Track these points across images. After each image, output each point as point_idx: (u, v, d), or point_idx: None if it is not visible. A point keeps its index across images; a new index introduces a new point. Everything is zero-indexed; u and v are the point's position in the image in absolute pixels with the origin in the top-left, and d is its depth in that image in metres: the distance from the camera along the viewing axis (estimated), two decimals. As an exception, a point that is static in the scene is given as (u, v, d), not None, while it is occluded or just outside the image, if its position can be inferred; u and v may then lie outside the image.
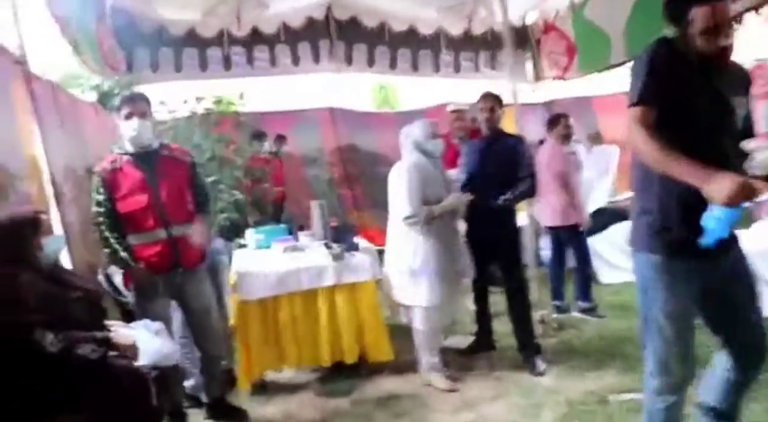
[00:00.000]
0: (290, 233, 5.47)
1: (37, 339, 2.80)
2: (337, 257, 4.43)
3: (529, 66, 8.75)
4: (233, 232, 6.17)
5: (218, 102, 6.98)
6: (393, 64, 8.57)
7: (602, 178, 8.28)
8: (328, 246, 4.62)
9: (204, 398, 4.08)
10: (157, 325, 3.42)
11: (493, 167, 4.60)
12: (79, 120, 6.01)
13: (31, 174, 4.01)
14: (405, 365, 4.54)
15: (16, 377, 2.86)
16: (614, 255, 6.98)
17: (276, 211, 7.73)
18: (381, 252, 5.21)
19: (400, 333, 4.63)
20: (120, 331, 3.23)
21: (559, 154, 5.66)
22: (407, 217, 4.19)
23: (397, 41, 8.42)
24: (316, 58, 8.42)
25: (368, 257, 4.57)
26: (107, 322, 3.34)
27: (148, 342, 3.25)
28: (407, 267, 4.26)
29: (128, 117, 3.71)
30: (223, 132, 6.86)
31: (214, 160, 6.63)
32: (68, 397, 2.92)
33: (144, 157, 3.76)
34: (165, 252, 3.75)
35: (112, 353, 2.98)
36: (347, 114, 9.80)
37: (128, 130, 3.71)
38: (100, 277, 4.32)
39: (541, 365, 4.47)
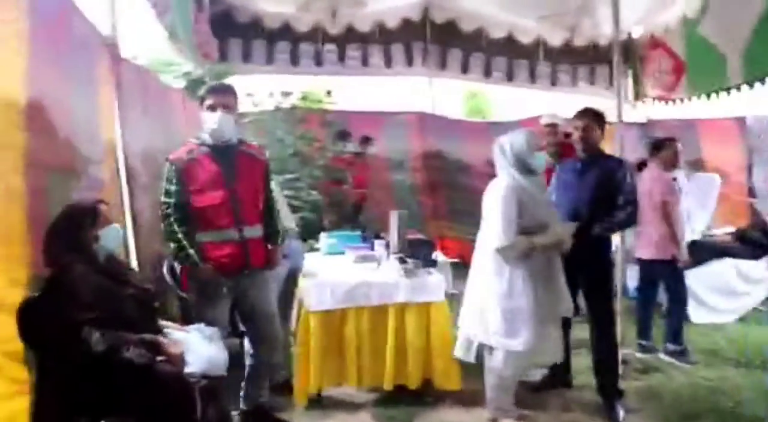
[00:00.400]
0: (365, 241, 5.20)
1: (84, 337, 2.63)
2: (410, 273, 4.13)
3: (629, 83, 8.19)
4: (307, 233, 5.97)
5: (305, 98, 6.80)
6: (487, 72, 8.27)
7: (700, 209, 7.67)
8: (402, 261, 4.32)
9: (241, 404, 3.83)
10: (212, 331, 3.21)
11: (589, 192, 4.13)
12: (165, 107, 5.92)
13: (107, 159, 3.88)
14: (471, 396, 4.15)
15: (59, 374, 2.71)
16: (708, 295, 6.42)
17: (354, 213, 7.49)
18: (455, 266, 4.94)
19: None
20: (171, 336, 3.03)
21: (662, 180, 5.18)
22: (501, 249, 3.65)
23: (493, 48, 8.09)
24: (409, 61, 8.19)
25: (443, 276, 4.24)
26: (161, 323, 3.16)
27: (201, 348, 3.05)
28: (497, 304, 3.70)
29: (212, 108, 3.51)
30: (308, 129, 6.67)
31: (295, 157, 6.46)
32: (109, 400, 2.73)
33: (222, 151, 3.56)
34: (236, 254, 3.54)
35: (159, 358, 2.78)
36: (437, 120, 9.48)
37: (210, 122, 3.51)
38: (165, 270, 4.17)
39: (621, 412, 4.04)
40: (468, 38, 7.98)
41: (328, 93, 7.07)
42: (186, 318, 3.61)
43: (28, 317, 2.78)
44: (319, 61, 7.80)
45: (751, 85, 5.50)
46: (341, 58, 7.86)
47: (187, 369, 2.91)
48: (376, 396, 4.31)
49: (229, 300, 3.59)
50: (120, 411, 2.82)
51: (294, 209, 5.96)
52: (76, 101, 3.46)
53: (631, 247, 5.50)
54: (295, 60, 7.71)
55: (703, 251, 6.70)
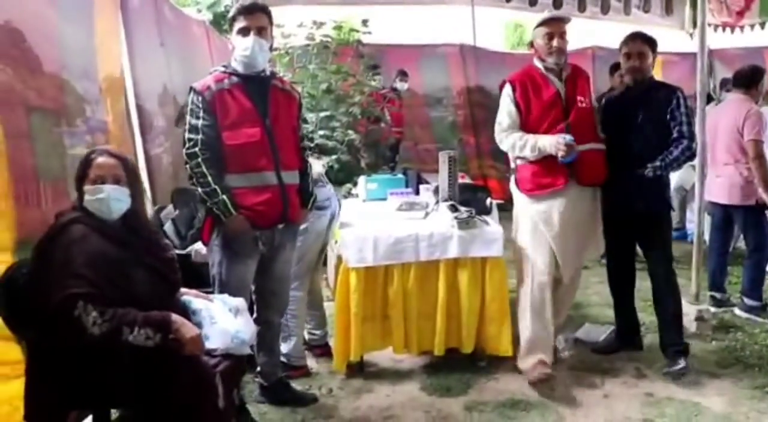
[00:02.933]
0: (407, 185, 4.57)
1: (76, 315, 2.07)
2: (464, 224, 3.50)
3: (687, 10, 7.28)
4: (344, 176, 5.36)
5: (338, 28, 6.06)
6: (532, 1, 7.39)
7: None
8: (454, 209, 3.68)
9: (262, 380, 3.29)
10: (239, 302, 2.64)
11: (640, 127, 3.56)
12: (188, 40, 5.31)
13: (111, 98, 3.26)
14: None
15: (53, 357, 2.18)
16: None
17: (392, 155, 6.84)
18: (501, 207, 4.38)
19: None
20: (190, 306, 2.47)
21: (754, 116, 4.40)
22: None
23: (538, -26, 7.21)
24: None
25: (500, 228, 3.61)
26: (181, 290, 2.60)
27: (225, 322, 2.49)
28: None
29: (244, 32, 2.88)
30: (342, 63, 5.97)
31: (330, 94, 5.78)
32: (113, 389, 2.20)
33: (255, 83, 2.94)
34: (275, 202, 2.95)
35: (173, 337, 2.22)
36: (479, 52, 8.72)
37: (241, 48, 2.87)
38: (167, 227, 3.63)
39: (681, 363, 3.53)
40: (513, -38, 7.15)
41: (364, 22, 6.31)
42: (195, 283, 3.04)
43: (13, 289, 2.25)
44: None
45: None
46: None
47: (208, 345, 2.36)
48: (425, 362, 3.73)
49: (257, 258, 3.01)
50: (126, 401, 2.30)
51: (329, 150, 5.34)
52: (64, 27, 2.81)
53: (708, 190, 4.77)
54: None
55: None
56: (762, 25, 6.29)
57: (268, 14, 2.95)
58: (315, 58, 5.78)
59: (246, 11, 2.88)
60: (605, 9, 7.37)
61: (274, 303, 3.18)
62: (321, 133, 5.35)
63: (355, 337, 3.45)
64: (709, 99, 5.90)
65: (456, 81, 8.75)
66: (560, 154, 3.34)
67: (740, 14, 6.56)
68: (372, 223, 3.68)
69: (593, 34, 8.12)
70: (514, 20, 10.68)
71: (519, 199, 3.64)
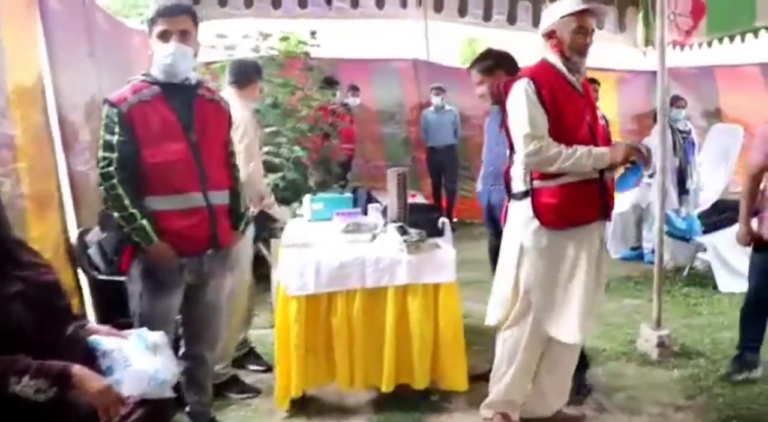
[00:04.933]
0: (356, 205, 4.30)
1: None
2: (413, 248, 3.25)
3: (640, 28, 7.23)
4: (291, 195, 5.08)
5: (285, 39, 5.80)
6: (487, 16, 7.25)
7: (720, 164, 6.81)
8: (403, 231, 3.42)
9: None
10: (157, 337, 2.31)
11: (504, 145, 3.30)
12: (125, 51, 4.99)
13: (20, 110, 2.93)
14: (482, 398, 3.21)
15: None
16: (738, 259, 5.58)
17: (343, 172, 6.58)
18: (457, 225, 4.19)
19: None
20: (99, 347, 2.15)
21: None
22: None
23: (495, -12, 7.09)
24: (403, 2, 7.19)
25: (454, 250, 3.36)
26: (89, 326, 2.28)
27: (142, 361, 2.16)
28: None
29: (163, 37, 2.57)
30: (290, 76, 5.71)
31: (276, 108, 5.51)
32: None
33: (178, 93, 2.64)
34: (202, 225, 2.66)
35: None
36: (433, 68, 8.53)
37: (161, 55, 2.57)
38: (93, 250, 3.30)
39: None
40: (467, -24, 7.01)
41: (313, 34, 6.08)
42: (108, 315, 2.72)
43: None
44: (303, 2, 6.81)
45: None
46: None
47: (123, 392, 2.04)
48: (373, 397, 3.44)
49: (182, 288, 2.70)
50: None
51: (275, 167, 5.06)
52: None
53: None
54: (276, 1, 6.73)
55: (729, 211, 5.84)
56: (710, 44, 6.23)
57: (193, 16, 2.66)
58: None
59: (166, 13, 2.57)
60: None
61: (205, 335, 2.88)
62: (266, 149, 5.06)
63: (297, 371, 3.15)
64: (655, 119, 5.78)
65: (409, 96, 8.56)
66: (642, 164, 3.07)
67: (688, 33, 6.48)
68: (315, 246, 3.41)
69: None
70: (468, 35, 10.55)
71: (532, 230, 2.89)
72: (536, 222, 2.88)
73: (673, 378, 3.76)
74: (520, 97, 2.82)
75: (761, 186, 3.66)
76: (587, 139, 2.88)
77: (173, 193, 2.60)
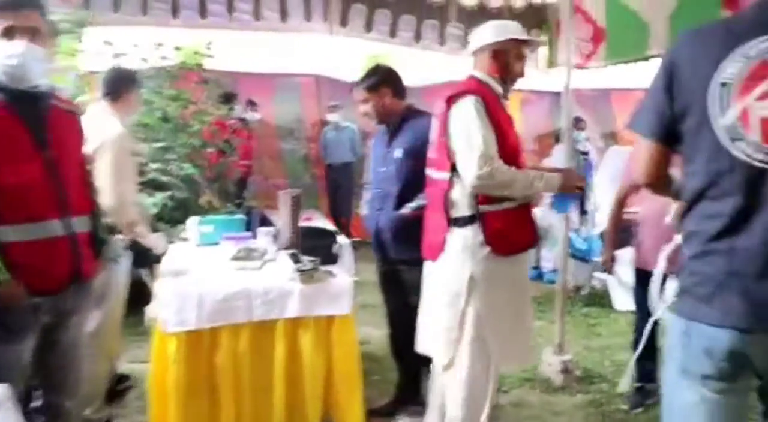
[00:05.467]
0: (248, 228, 4.00)
1: None
2: (307, 277, 2.99)
3: (543, 50, 7.31)
4: (181, 216, 4.72)
5: (178, 49, 5.45)
6: (393, 32, 7.14)
7: (615, 185, 6.92)
8: (295, 259, 3.16)
9: None
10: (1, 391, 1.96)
11: (394, 164, 3.44)
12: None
13: None
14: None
15: None
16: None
17: (239, 190, 6.24)
18: (359, 245, 4.00)
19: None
20: None
21: None
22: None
23: (401, 6, 6.97)
24: (308, 15, 6.94)
25: (351, 280, 3.13)
26: None
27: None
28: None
29: (8, 34, 2.20)
30: (182, 89, 5.36)
31: (167, 122, 5.14)
32: None
33: (28, 102, 2.27)
34: (62, 257, 2.32)
35: None
36: (335, 84, 8.35)
37: (4, 55, 2.19)
38: None
39: None
40: (373, -9, 6.86)
41: (208, 45, 5.75)
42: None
43: None
44: (203, 12, 6.43)
45: None
46: (229, 9, 6.50)
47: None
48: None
49: (36, 331, 2.34)
50: None
51: (162, 186, 4.70)
52: None
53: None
54: (174, 10, 6.33)
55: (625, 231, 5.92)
56: (606, 67, 6.33)
57: (40, 8, 2.31)
58: (149, 82, 5.13)
59: (11, 6, 2.21)
60: (466, 44, 7.24)
61: (65, 382, 2.51)
62: (155, 166, 4.70)
63: (176, 416, 2.81)
64: (557, 139, 5.79)
65: (309, 112, 8.37)
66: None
67: (588, 57, 6.58)
68: (197, 276, 3.09)
69: (452, 68, 7.96)
70: (374, 52, 10.40)
71: (481, 258, 2.71)
72: (486, 250, 2.71)
73: (575, 405, 3.70)
74: (471, 115, 2.64)
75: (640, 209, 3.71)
76: (523, 161, 2.83)
77: (26, 222, 2.23)
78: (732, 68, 1.59)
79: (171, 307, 2.83)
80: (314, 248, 3.32)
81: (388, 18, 7.07)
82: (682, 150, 1.74)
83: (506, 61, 2.78)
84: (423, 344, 2.99)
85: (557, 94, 8.52)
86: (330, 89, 8.24)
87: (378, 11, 7.03)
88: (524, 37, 2.82)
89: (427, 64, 8.11)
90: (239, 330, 2.90)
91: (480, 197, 2.70)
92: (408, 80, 3.57)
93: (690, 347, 1.69)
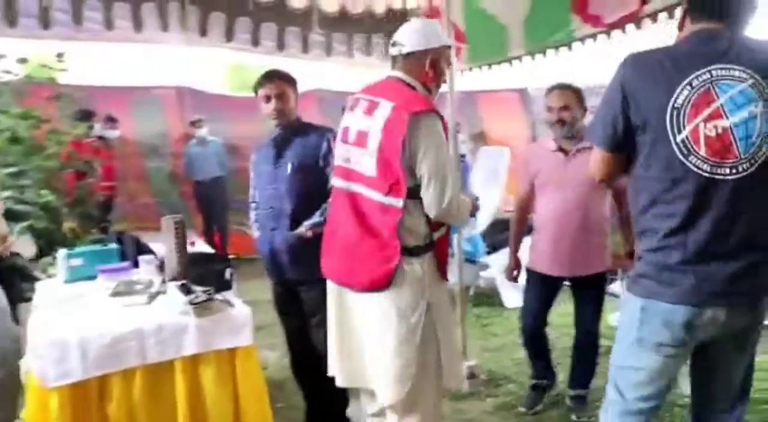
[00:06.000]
0: (124, 257, 3.65)
1: None
2: (201, 310, 2.74)
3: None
4: (43, 247, 4.25)
5: (23, 60, 4.93)
6: (255, 41, 6.88)
7: (491, 185, 7.09)
8: (186, 290, 2.88)
9: None
10: None
11: (286, 180, 3.32)
12: None
13: None
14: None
15: None
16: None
17: (102, 214, 5.76)
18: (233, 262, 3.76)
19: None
20: None
21: None
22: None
23: (261, 13, 6.73)
24: (164, 26, 6.53)
25: (248, 308, 2.90)
26: None
27: None
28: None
29: None
30: (33, 106, 4.84)
31: (17, 144, 4.62)
32: None
33: None
34: None
35: None
36: (198, 96, 7.99)
37: None
38: None
39: None
40: (232, 0, 6.55)
41: (59, 56, 5.24)
42: None
43: None
44: (45, 21, 5.86)
45: (532, 56, 5.17)
46: (77, 18, 5.96)
47: None
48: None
49: None
50: None
51: (19, 216, 4.20)
52: None
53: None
54: (12, 19, 5.72)
55: (507, 231, 6.07)
56: (470, 70, 6.47)
57: None
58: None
59: None
60: (329, 51, 7.15)
61: None
62: (6, 194, 4.18)
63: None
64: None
65: (173, 127, 7.91)
66: None
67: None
68: (77, 318, 2.74)
69: (317, 76, 7.84)
70: (236, 61, 10.08)
71: (435, 285, 2.59)
72: (437, 276, 2.61)
73: (486, 410, 3.69)
74: (441, 138, 2.46)
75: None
76: None
77: None
78: (682, 97, 1.96)
79: (49, 358, 2.48)
80: (205, 276, 3.06)
81: (249, 26, 6.81)
82: (638, 157, 2.08)
83: (441, 68, 2.60)
84: (357, 379, 2.74)
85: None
86: (193, 102, 7.83)
87: (238, 20, 6.75)
88: (452, 42, 2.87)
89: (291, 72, 7.94)
90: (132, 375, 2.60)
91: (434, 224, 2.55)
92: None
93: (649, 321, 2.07)
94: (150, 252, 3.66)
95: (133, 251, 3.73)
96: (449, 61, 2.69)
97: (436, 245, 2.58)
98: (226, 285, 3.11)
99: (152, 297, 2.95)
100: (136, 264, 3.47)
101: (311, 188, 3.14)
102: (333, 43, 7.18)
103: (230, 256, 6.85)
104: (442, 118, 2.48)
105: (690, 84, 1.95)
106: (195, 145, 7.51)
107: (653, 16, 4.07)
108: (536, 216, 3.69)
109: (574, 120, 3.50)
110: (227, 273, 3.20)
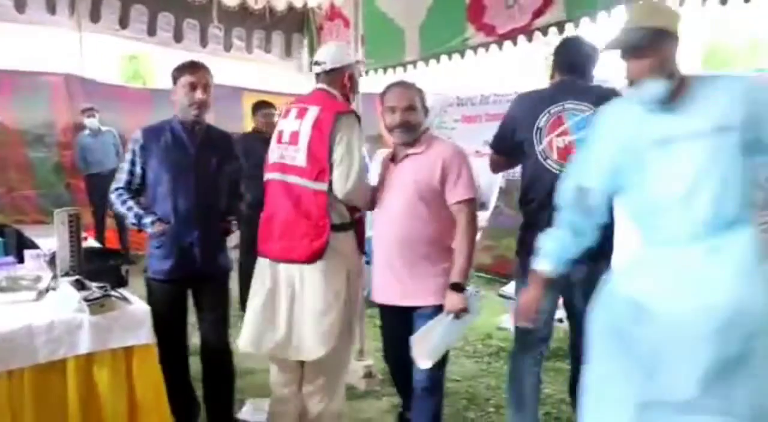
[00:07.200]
0: (7, 251, 3.41)
1: None
2: (98, 306, 2.60)
3: (305, 54, 7.36)
4: None
5: None
6: (151, 31, 6.60)
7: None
8: (81, 286, 2.74)
9: None
10: None
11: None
12: None
13: None
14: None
15: None
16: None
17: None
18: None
19: None
20: None
21: None
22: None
23: (159, 2, 6.48)
24: (51, 8, 6.16)
25: (146, 305, 2.79)
26: None
27: None
28: None
29: None
30: None
31: None
32: None
33: None
34: None
35: None
36: (88, 85, 7.58)
37: None
38: None
39: None
40: (128, -14, 6.27)
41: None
42: None
43: None
44: None
45: (426, 61, 5.18)
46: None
47: None
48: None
49: None
50: None
51: None
52: None
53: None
54: None
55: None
56: (366, 73, 6.50)
57: None
58: None
59: None
60: (228, 47, 6.98)
61: None
62: None
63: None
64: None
65: (61, 116, 7.46)
66: None
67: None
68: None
69: (214, 71, 7.63)
70: (130, 51, 9.61)
71: (354, 257, 3.12)
72: (356, 250, 3.09)
73: (383, 409, 3.70)
74: (357, 133, 2.90)
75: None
76: None
77: None
78: (543, 120, 2.95)
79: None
80: (100, 272, 2.93)
81: (145, 15, 6.53)
82: (519, 160, 3.12)
83: (356, 80, 3.10)
84: (278, 349, 2.98)
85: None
86: (83, 90, 7.41)
87: (134, 7, 6.46)
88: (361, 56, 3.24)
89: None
90: (19, 376, 2.43)
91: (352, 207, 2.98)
92: (166, 82, 3.30)
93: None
94: (34, 246, 3.45)
95: (14, 245, 3.50)
96: (360, 73, 3.16)
97: (357, 223, 3.04)
98: (122, 282, 2.98)
99: (41, 293, 2.78)
100: (21, 260, 3.27)
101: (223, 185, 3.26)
102: (232, 37, 7.00)
103: (131, 253, 6.60)
104: (359, 118, 2.96)
105: (549, 111, 2.94)
106: (88, 135, 7.12)
107: (544, 30, 4.20)
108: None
109: (418, 124, 2.93)
110: (123, 269, 3.07)
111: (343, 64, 3.02)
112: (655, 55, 2.01)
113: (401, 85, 3.05)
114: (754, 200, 2.09)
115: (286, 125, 3.01)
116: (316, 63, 3.04)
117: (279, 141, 3.02)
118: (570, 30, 4.00)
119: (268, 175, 3.07)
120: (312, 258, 2.88)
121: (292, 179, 2.95)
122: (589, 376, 2.26)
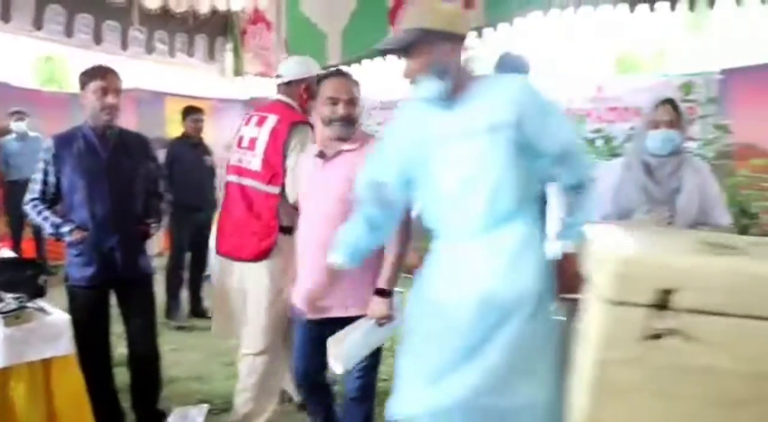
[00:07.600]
0: None
1: None
2: (13, 318, 2.51)
3: (229, 58, 7.28)
4: None
5: None
6: (69, 32, 6.36)
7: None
8: (-5, 298, 2.64)
9: None
10: None
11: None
12: None
13: None
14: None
15: None
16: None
17: None
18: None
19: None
20: None
21: None
22: None
23: (77, 3, 6.23)
24: (-44, 7, 5.85)
25: (62, 315, 2.70)
26: None
27: None
28: None
29: None
30: None
31: None
32: None
33: None
34: None
35: None
36: (2, 88, 7.19)
37: None
38: None
39: None
40: (42, -16, 6.03)
41: None
42: None
43: None
44: None
45: (348, 65, 5.12)
46: None
47: None
48: None
49: None
50: None
51: None
52: None
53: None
54: None
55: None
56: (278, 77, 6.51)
57: None
58: None
59: None
60: (150, 50, 6.81)
61: None
62: None
63: None
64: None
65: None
66: None
67: (271, 66, 6.68)
68: None
69: (135, 75, 7.43)
70: (46, 53, 9.19)
71: (293, 258, 2.87)
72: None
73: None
74: (308, 139, 3.00)
75: None
76: None
77: None
78: None
79: None
80: (16, 283, 2.81)
81: (62, 16, 6.28)
82: None
83: (312, 91, 3.05)
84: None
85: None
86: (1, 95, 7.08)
87: (49, 7, 6.19)
88: (321, 71, 3.22)
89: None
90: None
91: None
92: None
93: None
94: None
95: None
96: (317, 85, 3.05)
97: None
98: (40, 292, 2.88)
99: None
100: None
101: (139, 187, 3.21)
102: (154, 40, 6.83)
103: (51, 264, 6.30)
104: (312, 127, 3.06)
105: None
106: (13, 140, 6.79)
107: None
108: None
109: (357, 118, 2.68)
110: (41, 280, 2.96)
111: (301, 77, 3.19)
112: (423, 55, 2.02)
113: (342, 75, 2.70)
114: (533, 195, 2.13)
115: (246, 131, 3.18)
116: (278, 76, 3.28)
117: (239, 146, 3.19)
118: (489, 34, 4.12)
119: (227, 177, 3.26)
120: (260, 256, 3.06)
121: (247, 182, 3.12)
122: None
